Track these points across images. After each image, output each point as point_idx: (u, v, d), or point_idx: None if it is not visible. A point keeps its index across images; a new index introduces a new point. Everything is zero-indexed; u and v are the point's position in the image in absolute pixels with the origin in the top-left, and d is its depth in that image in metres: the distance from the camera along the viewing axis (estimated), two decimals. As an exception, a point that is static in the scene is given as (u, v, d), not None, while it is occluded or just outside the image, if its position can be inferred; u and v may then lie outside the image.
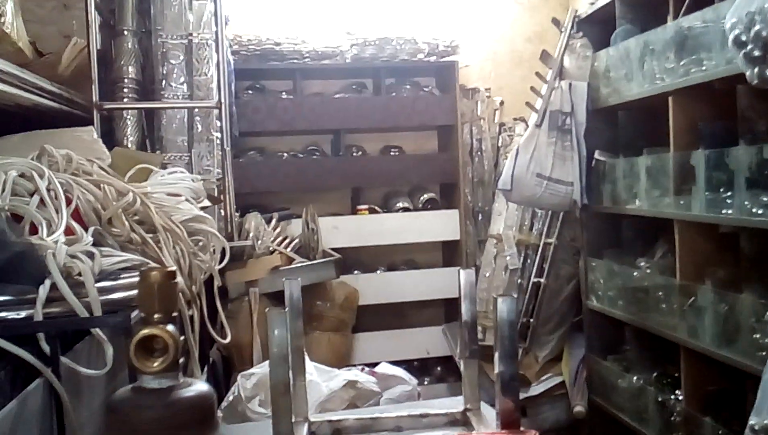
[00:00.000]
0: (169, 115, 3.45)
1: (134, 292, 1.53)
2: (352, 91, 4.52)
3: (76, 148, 2.05)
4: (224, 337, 2.70)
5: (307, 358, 2.03)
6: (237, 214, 3.84)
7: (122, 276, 1.64)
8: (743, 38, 1.91)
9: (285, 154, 4.44)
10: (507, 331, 1.42)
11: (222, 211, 3.53)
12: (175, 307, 0.86)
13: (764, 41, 1.85)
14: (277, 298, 3.85)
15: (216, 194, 3.45)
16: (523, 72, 4.43)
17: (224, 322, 2.79)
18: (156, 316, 0.84)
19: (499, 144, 4.45)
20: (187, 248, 2.46)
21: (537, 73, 3.44)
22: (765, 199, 2.28)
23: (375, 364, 3.21)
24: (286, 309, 1.55)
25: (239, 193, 3.78)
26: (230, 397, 2.75)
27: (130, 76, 3.30)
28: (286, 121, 4.25)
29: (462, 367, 1.82)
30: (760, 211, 2.29)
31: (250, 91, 4.42)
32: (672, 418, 2.90)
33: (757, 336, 2.34)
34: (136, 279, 1.60)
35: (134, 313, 1.40)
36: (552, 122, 3.32)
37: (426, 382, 4.28)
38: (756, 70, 1.90)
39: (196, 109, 3.50)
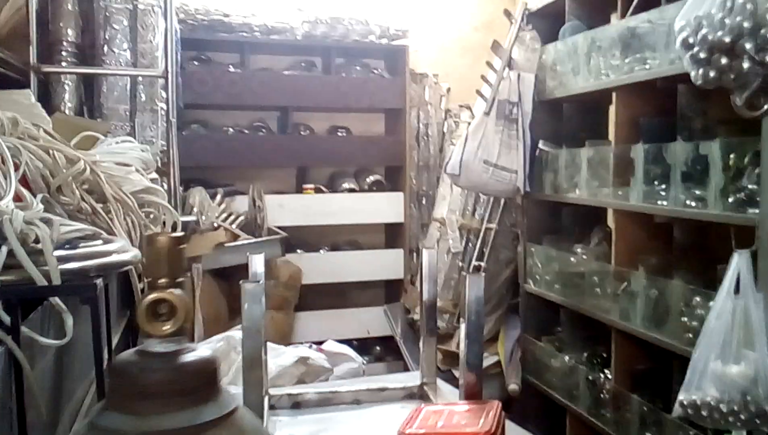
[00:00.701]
0: (111, 82, 3.39)
1: (93, 262, 1.55)
2: (300, 69, 4.52)
3: (13, 112, 2.00)
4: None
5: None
6: (180, 189, 3.82)
7: (81, 245, 1.65)
8: (690, 40, 2.03)
9: (230, 129, 4.41)
10: (474, 308, 1.51)
11: (165, 185, 3.50)
12: (181, 272, 0.91)
13: (710, 44, 1.98)
14: (220, 275, 3.86)
15: (158, 167, 3.42)
16: (469, 60, 4.53)
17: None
18: (162, 280, 0.88)
19: (445, 130, 4.55)
20: (139, 220, 2.47)
21: (487, 63, 3.53)
22: (698, 192, 2.43)
23: (319, 343, 3.28)
24: (255, 284, 1.59)
25: (181, 166, 3.73)
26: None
27: (69, 39, 3.22)
28: (233, 95, 4.21)
29: (421, 344, 1.90)
30: (693, 203, 2.44)
31: (195, 62, 4.34)
32: (601, 395, 3.06)
33: (685, 319, 2.50)
34: (95, 249, 1.63)
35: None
36: (500, 111, 3.42)
37: (366, 362, 4.36)
38: (701, 71, 2.03)
39: (140, 78, 3.44)
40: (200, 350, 0.90)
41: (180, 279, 0.90)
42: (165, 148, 3.49)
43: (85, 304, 1.56)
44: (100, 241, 1.79)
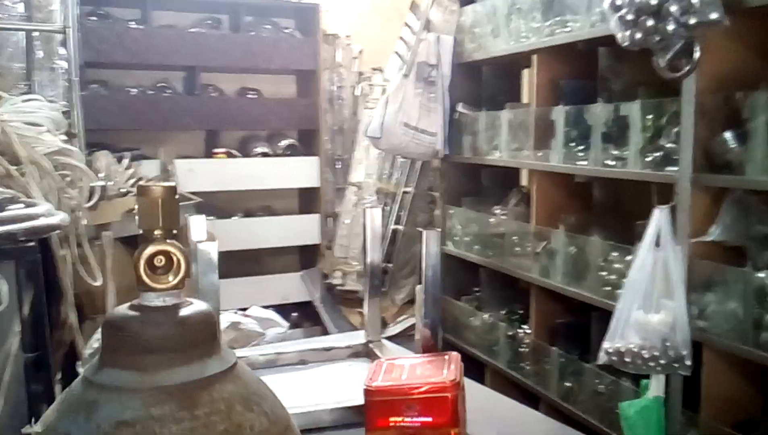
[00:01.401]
0: (3, 37, 3.19)
1: (20, 225, 1.47)
2: (206, 27, 4.36)
3: None
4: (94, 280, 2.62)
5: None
6: (84, 153, 3.65)
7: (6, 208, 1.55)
8: (618, 3, 2.10)
9: (133, 90, 4.22)
10: (431, 263, 1.52)
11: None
12: (176, 224, 0.87)
13: (637, 6, 2.05)
14: (130, 243, 3.72)
15: (69, 130, 3.26)
16: (382, 21, 4.51)
17: (93, 263, 2.70)
18: (157, 232, 0.85)
19: (358, 93, 4.52)
20: (56, 183, 2.35)
21: (406, 24, 3.53)
22: (616, 152, 2.54)
23: (243, 309, 3.24)
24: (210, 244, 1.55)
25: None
26: (94, 343, 2.66)
27: (-46, -11, 3.02)
28: (136, 54, 4.02)
29: (366, 304, 1.90)
30: (612, 163, 2.55)
31: (93, 18, 4.10)
32: (520, 349, 3.18)
33: (604, 273, 2.62)
34: (22, 211, 1.54)
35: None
36: (419, 73, 3.44)
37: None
38: (628, 32, 2.10)
39: (37, 33, 3.25)
40: (198, 303, 0.87)
41: (175, 231, 0.86)
42: (67, 108, 3.32)
43: (23, 268, 1.48)
44: (21, 205, 1.70)
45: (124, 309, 0.86)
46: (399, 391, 1.32)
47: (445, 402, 1.31)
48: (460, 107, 3.52)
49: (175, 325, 0.83)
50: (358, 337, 1.93)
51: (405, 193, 3.99)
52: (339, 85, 4.50)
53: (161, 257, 0.85)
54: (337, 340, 2.01)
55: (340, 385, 1.71)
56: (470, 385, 1.52)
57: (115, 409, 0.78)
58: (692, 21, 1.98)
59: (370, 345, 1.87)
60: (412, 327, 3.93)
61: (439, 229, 1.72)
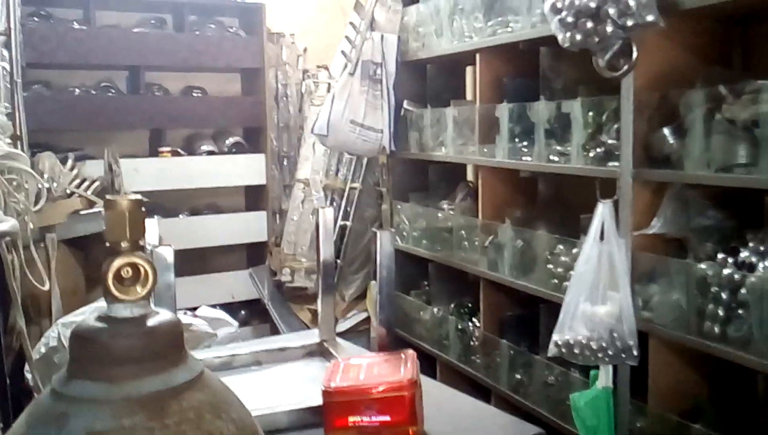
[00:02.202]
0: (-58, 38, 3.12)
1: None
2: (150, 26, 4.33)
3: None
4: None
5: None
6: (27, 154, 3.58)
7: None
8: (559, 5, 2.16)
9: (76, 90, 4.17)
10: (386, 263, 1.55)
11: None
12: (142, 236, 0.88)
13: (577, 9, 2.11)
14: (75, 244, 3.66)
15: (13, 132, 3.20)
16: (326, 19, 4.53)
17: (41, 267, 2.66)
18: (124, 244, 0.86)
19: (303, 90, 4.53)
20: (2, 188, 2.32)
21: (351, 23, 3.55)
22: (559, 148, 2.61)
23: (189, 310, 3.21)
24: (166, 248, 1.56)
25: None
26: (42, 348, 2.62)
27: None
28: (79, 54, 3.98)
29: (319, 303, 1.93)
30: (555, 158, 2.62)
31: (35, 18, 4.06)
32: (471, 343, 3.24)
33: (551, 266, 2.69)
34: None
35: None
36: (364, 71, 3.46)
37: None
38: (568, 34, 2.16)
39: (-26, 35, 3.18)
40: (164, 313, 0.89)
41: (141, 242, 0.88)
42: (9, 110, 3.25)
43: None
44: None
45: (91, 320, 0.87)
46: (357, 391, 1.36)
47: (402, 401, 1.35)
48: (405, 104, 3.57)
49: (143, 336, 0.85)
50: (312, 337, 1.96)
51: (352, 189, 4.02)
52: (284, 83, 4.50)
53: (128, 269, 0.87)
54: (290, 339, 2.04)
55: (297, 386, 1.73)
56: (425, 381, 1.56)
57: (86, 421, 0.79)
58: (629, 23, 2.05)
59: (325, 344, 1.90)
60: (363, 322, 3.98)
61: (393, 229, 1.75)
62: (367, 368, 1.45)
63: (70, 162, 3.88)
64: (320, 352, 1.90)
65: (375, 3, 3.53)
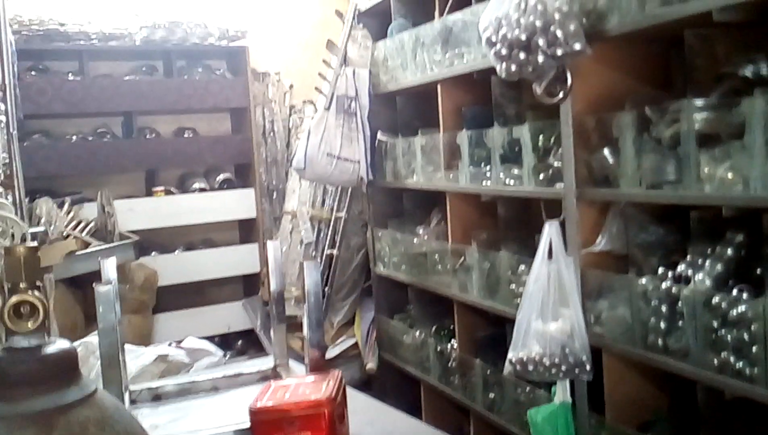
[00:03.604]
0: (-60, 94, 3.31)
1: None
2: (142, 73, 4.54)
3: None
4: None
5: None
6: (26, 200, 3.76)
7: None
8: (493, 39, 2.29)
9: (74, 137, 4.38)
10: (313, 290, 1.68)
11: (10, 198, 3.46)
12: (39, 276, 1.02)
13: (509, 42, 2.23)
14: (74, 284, 3.83)
15: (2, 180, 3.37)
16: (310, 56, 4.69)
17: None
18: (22, 284, 1.00)
19: (290, 125, 4.70)
20: (-14, 234, 2.47)
21: (324, 61, 3.71)
22: (516, 171, 2.71)
23: (180, 342, 3.35)
24: (107, 287, 1.69)
25: (26, 178, 3.69)
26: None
27: None
28: (74, 103, 4.19)
29: (272, 331, 2.05)
30: (511, 182, 2.72)
31: (33, 72, 4.30)
32: (449, 364, 3.33)
33: (513, 286, 2.79)
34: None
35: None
36: (339, 106, 3.62)
37: (228, 356, 4.45)
38: (503, 65, 2.28)
39: (-26, 91, 3.37)
40: (60, 343, 1.02)
41: (38, 283, 1.02)
42: (7, 160, 3.44)
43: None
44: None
45: (-3, 351, 1.01)
46: (279, 410, 1.47)
47: (321, 418, 1.46)
48: (380, 135, 3.71)
49: (37, 362, 0.98)
50: (267, 362, 2.08)
51: (338, 218, 4.15)
52: (271, 120, 4.67)
53: (27, 305, 1.01)
54: (247, 366, 2.16)
55: (246, 408, 1.85)
56: (361, 399, 1.68)
57: (-19, 434, 0.93)
58: (559, 52, 2.17)
59: (278, 368, 2.02)
60: (352, 347, 4.09)
61: (318, 259, 1.87)
62: (294, 388, 1.56)
63: (66, 205, 4.08)
64: (273, 376, 2.01)
65: (347, 40, 3.69)
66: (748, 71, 2.06)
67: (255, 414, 1.48)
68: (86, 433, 0.96)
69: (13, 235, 2.73)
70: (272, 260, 2.03)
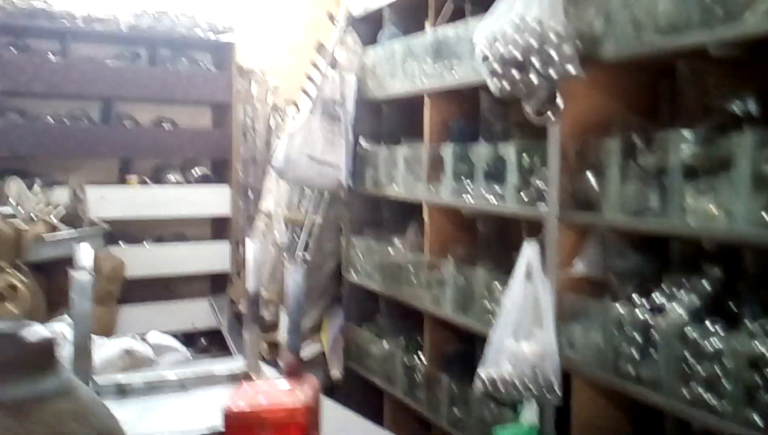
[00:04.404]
0: None
1: None
2: (125, 59, 4.47)
3: None
4: None
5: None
6: (-4, 179, 3.68)
7: None
8: (487, 54, 2.29)
9: (49, 118, 4.29)
10: (295, 294, 1.65)
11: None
12: (20, 257, 0.98)
13: (504, 59, 2.24)
14: (37, 268, 3.74)
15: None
16: (296, 57, 4.67)
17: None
18: (4, 264, 0.96)
19: (272, 124, 4.66)
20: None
21: (312, 62, 3.69)
22: (498, 189, 2.71)
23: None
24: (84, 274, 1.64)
25: (-3, 156, 3.63)
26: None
27: None
28: (53, 84, 4.12)
29: (245, 331, 2.02)
30: (494, 200, 2.72)
31: (12, 48, 4.20)
32: (416, 378, 3.31)
33: (487, 303, 2.78)
34: None
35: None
36: (324, 109, 3.59)
37: (192, 354, 4.38)
38: (496, 82, 2.29)
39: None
40: (39, 330, 0.98)
41: (19, 263, 0.98)
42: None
43: None
44: None
45: (-31, 333, 0.97)
46: (253, 415, 1.44)
47: (296, 425, 1.43)
48: (362, 141, 3.69)
49: (15, 348, 0.94)
50: (237, 363, 2.04)
51: (313, 221, 4.11)
52: (252, 117, 4.63)
53: (9, 288, 0.96)
54: (217, 365, 2.12)
55: (215, 409, 1.81)
56: (332, 408, 1.65)
57: (-48, 420, 0.88)
58: (552, 73, 2.18)
59: (249, 371, 1.98)
60: (318, 353, 4.05)
61: (301, 265, 1.84)
62: (269, 392, 1.53)
63: (35, 187, 3.99)
64: (244, 378, 1.98)
65: (336, 44, 3.67)
66: (735, 107, 2.08)
67: (230, 417, 1.44)
68: (62, 426, 0.92)
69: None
70: (250, 259, 1.99)
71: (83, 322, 1.55)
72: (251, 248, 2.02)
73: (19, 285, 0.86)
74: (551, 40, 2.16)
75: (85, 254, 1.90)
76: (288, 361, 1.70)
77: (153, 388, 1.95)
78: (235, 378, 2.00)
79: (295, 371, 1.73)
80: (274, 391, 1.55)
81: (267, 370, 2.06)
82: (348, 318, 3.97)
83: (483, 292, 2.81)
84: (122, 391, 1.94)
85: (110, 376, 2.07)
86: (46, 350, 0.97)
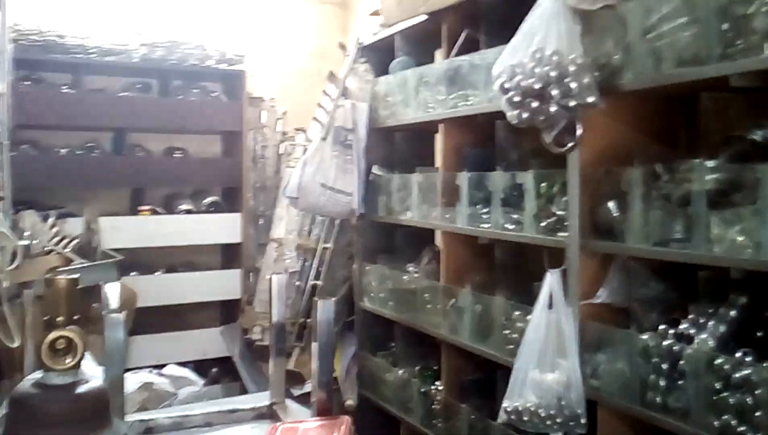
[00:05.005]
0: (-65, 100, 3.24)
1: None
2: (136, 90, 4.50)
3: None
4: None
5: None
6: (10, 212, 3.67)
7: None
8: (507, 86, 2.29)
9: (62, 150, 4.31)
10: (325, 330, 1.64)
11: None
12: (77, 311, 0.98)
13: (523, 90, 2.24)
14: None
15: (-8, 191, 3.29)
16: (306, 85, 4.70)
17: (11, 324, 2.73)
18: (60, 318, 0.96)
19: (281, 152, 4.68)
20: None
21: (323, 91, 3.70)
22: (515, 216, 2.71)
23: (156, 367, 3.26)
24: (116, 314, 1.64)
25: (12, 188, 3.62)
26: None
27: None
28: (66, 116, 4.14)
29: (270, 365, 2.01)
30: (511, 226, 2.72)
31: (26, 82, 4.22)
32: (433, 406, 3.29)
33: (507, 332, 2.77)
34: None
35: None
36: (336, 137, 3.61)
37: (203, 384, 4.36)
38: (516, 112, 2.29)
39: (-32, 99, 3.31)
40: (93, 381, 0.98)
41: (76, 317, 0.98)
42: (-1, 171, 3.36)
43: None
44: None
45: (27, 386, 0.97)
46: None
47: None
48: (374, 169, 3.70)
49: (71, 402, 0.94)
50: (262, 399, 2.03)
51: (324, 249, 4.12)
52: (263, 145, 4.65)
53: (62, 341, 0.96)
54: (242, 402, 2.11)
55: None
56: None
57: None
58: (572, 103, 2.18)
59: (274, 407, 1.97)
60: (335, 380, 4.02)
61: (334, 298, 1.83)
62: (303, 433, 1.52)
63: (50, 220, 3.98)
64: (270, 414, 1.97)
65: (348, 73, 3.69)
66: (757, 135, 2.09)
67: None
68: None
69: (2, 249, 2.66)
70: (275, 292, 1.99)
71: (116, 361, 1.54)
72: (276, 281, 2.02)
73: (74, 338, 0.86)
74: (570, 71, 2.17)
75: (112, 293, 1.90)
76: (319, 398, 1.69)
77: (178, 425, 1.94)
78: (260, 414, 1.99)
79: (326, 409, 1.73)
80: (308, 431, 1.54)
81: (292, 405, 2.05)
82: (361, 345, 3.96)
83: (502, 321, 2.80)
84: (148, 429, 1.92)
85: (136, 414, 2.06)
86: (100, 402, 0.97)
